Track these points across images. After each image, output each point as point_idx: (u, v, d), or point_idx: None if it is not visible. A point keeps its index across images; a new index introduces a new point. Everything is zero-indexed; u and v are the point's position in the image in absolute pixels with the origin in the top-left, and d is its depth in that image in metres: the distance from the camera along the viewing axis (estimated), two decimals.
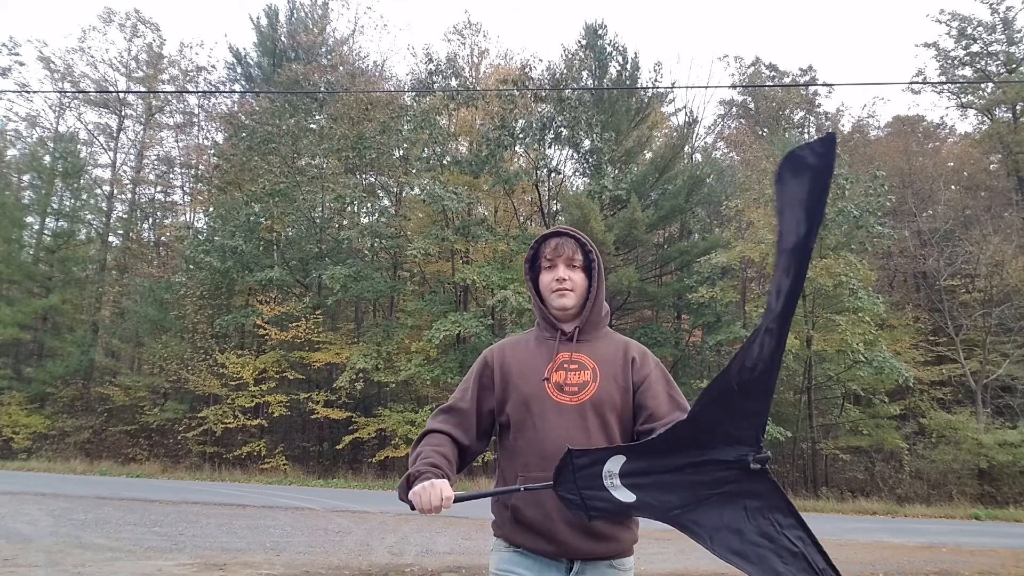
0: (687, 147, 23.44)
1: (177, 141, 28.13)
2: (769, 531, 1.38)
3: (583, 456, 1.51)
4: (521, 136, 19.25)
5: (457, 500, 1.55)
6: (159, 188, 28.56)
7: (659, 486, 1.46)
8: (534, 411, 1.74)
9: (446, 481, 1.59)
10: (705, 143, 27.27)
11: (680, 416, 1.58)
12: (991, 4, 23.41)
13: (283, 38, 24.98)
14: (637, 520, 1.76)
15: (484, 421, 1.84)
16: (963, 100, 25.32)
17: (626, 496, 1.47)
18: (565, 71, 21.10)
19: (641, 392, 1.79)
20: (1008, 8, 23.26)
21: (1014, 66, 23.53)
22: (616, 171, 19.54)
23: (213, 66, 36.73)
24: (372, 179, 22.91)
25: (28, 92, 25.93)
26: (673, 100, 25.22)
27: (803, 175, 1.19)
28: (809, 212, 1.19)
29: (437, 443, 1.75)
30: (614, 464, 1.48)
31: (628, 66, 21.30)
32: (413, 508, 1.55)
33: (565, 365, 1.78)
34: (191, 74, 26.90)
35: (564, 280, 1.83)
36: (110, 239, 26.58)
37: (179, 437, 19.85)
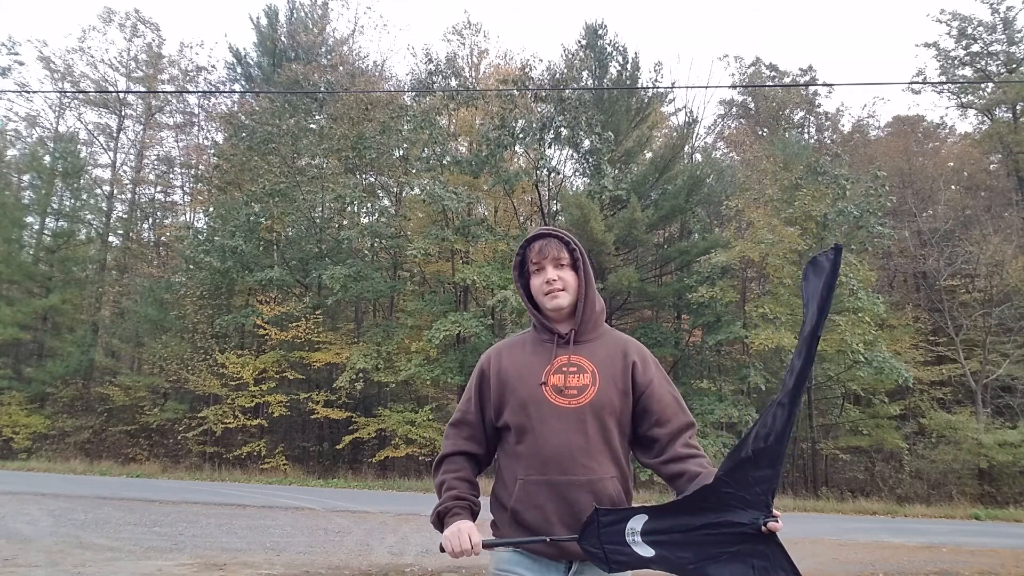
0: (687, 147, 23.40)
1: (177, 141, 28.17)
2: None
3: (609, 515, 1.63)
4: (521, 136, 19.21)
5: (485, 547, 1.69)
6: (159, 188, 28.56)
7: (677, 544, 1.58)
8: (533, 415, 1.74)
9: (472, 525, 1.70)
10: (705, 143, 27.25)
11: (702, 466, 1.72)
12: (991, 4, 23.44)
13: (283, 38, 24.96)
14: None
15: (491, 430, 1.86)
16: (963, 100, 25.32)
17: (646, 551, 1.60)
18: (565, 71, 21.08)
19: (646, 396, 1.79)
20: (1008, 8, 23.29)
21: (1014, 66, 23.52)
22: (616, 171, 19.51)
23: (213, 66, 36.67)
24: (372, 179, 22.89)
25: (28, 92, 25.96)
26: (673, 100, 25.23)
27: (820, 273, 1.52)
28: (820, 305, 1.49)
29: (457, 468, 1.84)
30: (636, 523, 1.61)
31: (628, 66, 21.29)
32: (443, 550, 1.69)
33: (563, 368, 1.77)
34: (191, 74, 26.92)
35: (554, 280, 1.82)
36: (110, 239, 26.58)
37: (179, 437, 19.85)
